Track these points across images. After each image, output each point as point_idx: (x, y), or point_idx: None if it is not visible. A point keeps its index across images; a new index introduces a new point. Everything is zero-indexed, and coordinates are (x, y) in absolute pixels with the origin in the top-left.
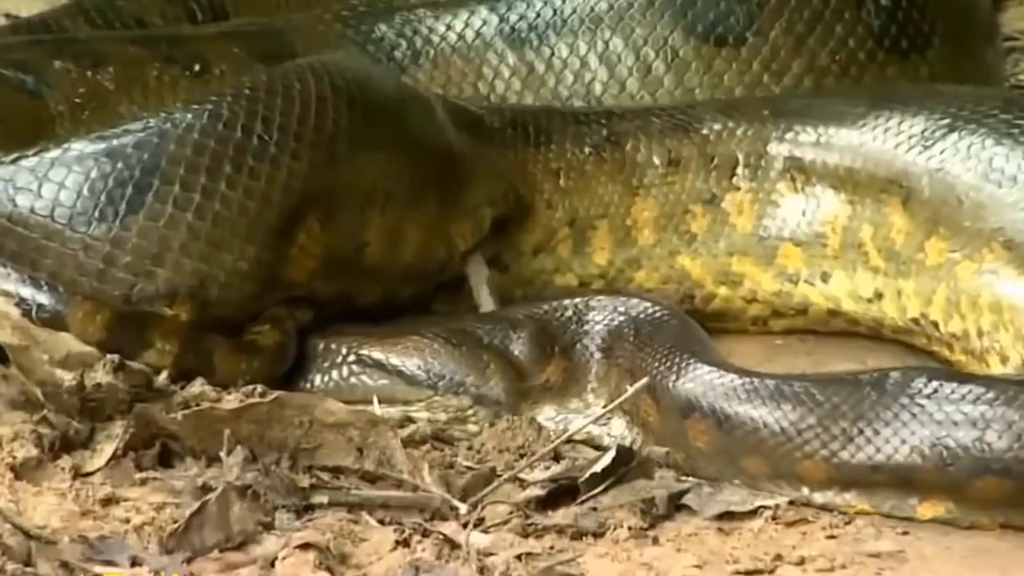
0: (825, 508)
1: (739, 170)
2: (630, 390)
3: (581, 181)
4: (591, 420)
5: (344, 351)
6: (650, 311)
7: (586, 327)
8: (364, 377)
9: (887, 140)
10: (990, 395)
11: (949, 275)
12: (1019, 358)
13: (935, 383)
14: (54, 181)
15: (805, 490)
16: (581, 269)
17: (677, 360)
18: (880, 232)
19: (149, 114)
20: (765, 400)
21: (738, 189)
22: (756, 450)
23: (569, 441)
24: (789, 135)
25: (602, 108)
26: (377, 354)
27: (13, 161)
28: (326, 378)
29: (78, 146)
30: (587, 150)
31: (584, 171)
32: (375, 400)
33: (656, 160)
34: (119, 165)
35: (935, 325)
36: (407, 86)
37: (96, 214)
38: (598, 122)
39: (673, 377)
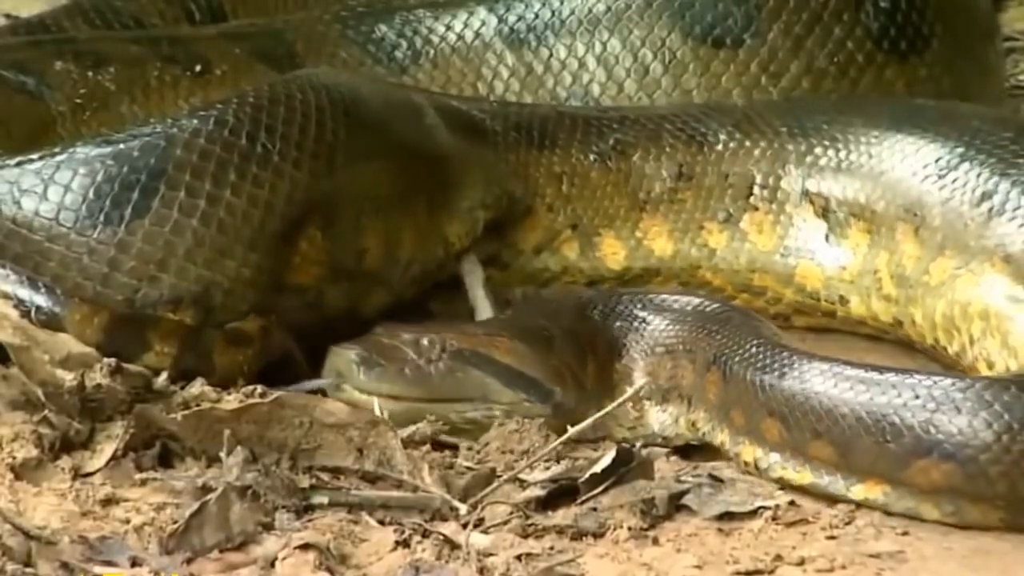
0: (768, 475)
1: (756, 190)
2: (631, 390)
3: (585, 189)
4: (599, 416)
5: (439, 346)
6: (664, 297)
7: (602, 324)
8: (460, 374)
9: (904, 169)
10: (947, 382)
11: (949, 290)
12: (1004, 364)
13: (901, 372)
14: (59, 184)
15: (765, 448)
16: (592, 271)
17: (717, 327)
18: (894, 259)
19: (155, 119)
20: (754, 358)
21: (756, 209)
22: (739, 402)
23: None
24: (808, 159)
25: (614, 113)
26: (470, 351)
27: (18, 164)
28: (417, 370)
29: (84, 150)
30: (592, 158)
31: (588, 178)
32: (375, 402)
33: (664, 173)
34: (125, 169)
35: (944, 349)
36: (397, 93)
37: (101, 218)
38: (608, 127)
39: (707, 339)
